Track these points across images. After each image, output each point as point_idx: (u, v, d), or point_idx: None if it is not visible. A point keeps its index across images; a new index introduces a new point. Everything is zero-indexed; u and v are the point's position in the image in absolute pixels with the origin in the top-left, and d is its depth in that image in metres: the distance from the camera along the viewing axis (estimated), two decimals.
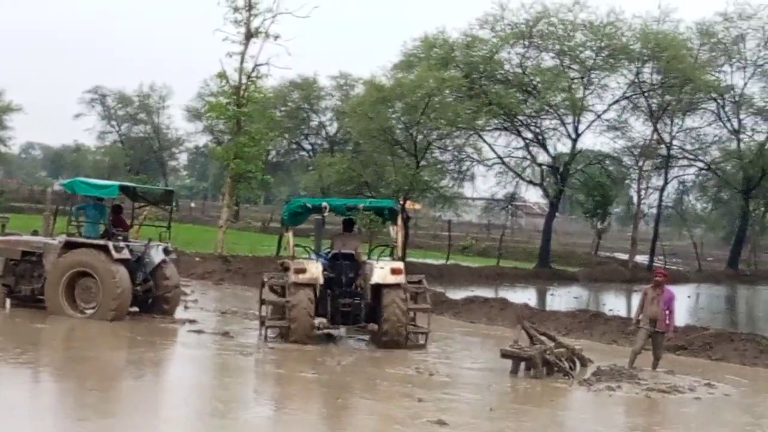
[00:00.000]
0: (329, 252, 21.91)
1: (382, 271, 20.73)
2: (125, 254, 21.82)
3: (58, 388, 15.57)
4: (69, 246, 22.04)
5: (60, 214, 24.26)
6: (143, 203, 25.81)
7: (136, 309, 22.78)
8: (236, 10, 38.02)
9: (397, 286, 20.71)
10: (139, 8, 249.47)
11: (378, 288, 20.79)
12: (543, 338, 19.30)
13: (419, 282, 22.01)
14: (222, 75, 38.53)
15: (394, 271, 20.76)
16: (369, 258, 21.95)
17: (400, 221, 22.97)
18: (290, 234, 22.33)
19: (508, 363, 18.54)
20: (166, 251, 23.29)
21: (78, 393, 14.80)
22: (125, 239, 22.80)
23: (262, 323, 21.35)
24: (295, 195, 51.77)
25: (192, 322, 22.51)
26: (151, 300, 23.07)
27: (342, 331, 22.05)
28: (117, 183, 24.57)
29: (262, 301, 21.61)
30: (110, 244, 21.63)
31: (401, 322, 20.62)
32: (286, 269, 21.24)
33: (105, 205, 23.55)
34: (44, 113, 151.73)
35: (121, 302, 21.53)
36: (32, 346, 18.91)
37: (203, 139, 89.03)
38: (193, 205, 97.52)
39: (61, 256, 21.97)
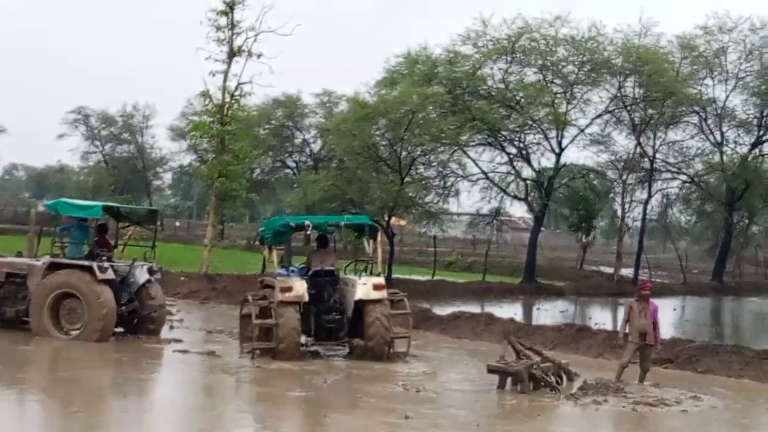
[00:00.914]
0: (305, 268, 22.02)
1: (365, 287, 21.13)
2: (110, 275, 21.76)
3: (43, 409, 15.50)
4: (53, 267, 21.98)
5: (44, 235, 24.18)
6: (127, 223, 25.77)
7: (121, 329, 22.73)
8: (219, 29, 38.01)
9: (379, 301, 21.11)
10: (122, 28, 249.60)
11: (361, 303, 21.09)
12: (529, 353, 19.30)
13: (396, 293, 22.58)
14: (205, 94, 38.50)
15: (377, 287, 21.23)
16: (345, 273, 22.26)
17: (378, 237, 23.20)
18: (274, 253, 22.34)
19: (495, 378, 18.55)
20: (150, 271, 23.24)
21: (63, 414, 14.75)
22: (110, 259, 22.75)
23: (243, 341, 21.50)
24: (280, 213, 51.64)
25: (178, 341, 22.46)
26: (136, 320, 22.98)
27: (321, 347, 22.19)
28: (101, 203, 24.58)
29: (242, 317, 21.70)
30: (94, 264, 21.59)
31: (386, 336, 21.17)
32: (266, 287, 21.38)
33: (89, 225, 23.52)
34: (28, 134, 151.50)
35: (106, 323, 21.46)
36: (17, 367, 18.85)
37: (187, 158, 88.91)
38: (177, 224, 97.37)
39: (46, 277, 21.91)
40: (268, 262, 22.53)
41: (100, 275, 21.44)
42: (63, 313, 21.83)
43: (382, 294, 21.32)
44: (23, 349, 20.69)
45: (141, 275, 22.91)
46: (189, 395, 17.30)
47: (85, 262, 21.85)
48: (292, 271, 21.71)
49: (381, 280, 21.71)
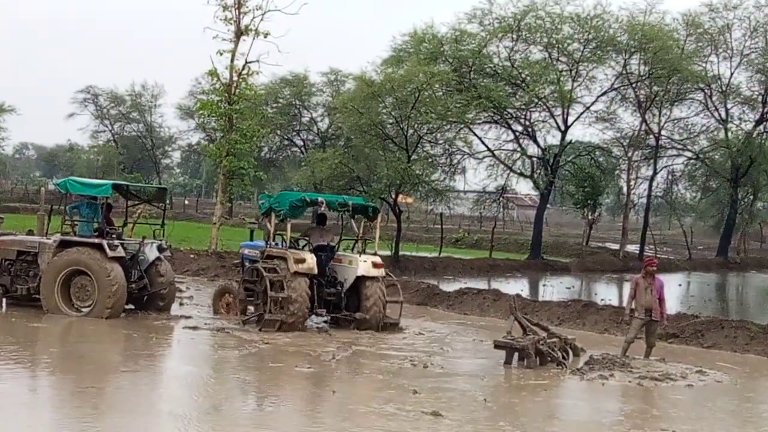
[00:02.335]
0: (303, 244, 23.14)
1: (365, 264, 22.70)
2: (120, 252, 21.95)
3: (55, 385, 15.67)
4: (64, 245, 22.18)
5: (54, 214, 24.36)
6: (137, 201, 25.95)
7: (131, 306, 22.95)
8: (226, 8, 38.15)
9: (377, 278, 22.80)
10: (129, 8, 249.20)
11: (360, 279, 22.61)
12: (536, 328, 19.50)
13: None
14: (213, 73, 38.63)
15: (376, 265, 22.85)
16: (342, 251, 23.76)
17: (378, 218, 24.31)
18: (288, 225, 23.03)
19: (502, 354, 18.74)
20: (160, 249, 23.44)
21: (75, 390, 14.93)
22: (119, 237, 22.94)
23: (243, 309, 22.74)
24: (287, 190, 51.72)
25: (187, 318, 22.69)
26: (146, 297, 23.19)
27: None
28: (110, 182, 24.70)
29: (245, 281, 22.65)
30: (105, 242, 21.77)
31: (382, 310, 22.74)
32: (271, 257, 22.18)
33: (98, 203, 23.70)
34: (37, 114, 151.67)
35: (117, 300, 21.67)
36: (29, 344, 19.07)
37: (196, 137, 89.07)
38: (186, 202, 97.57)
39: (56, 255, 22.10)
40: (272, 234, 22.96)
41: (110, 253, 21.63)
42: (74, 290, 22.02)
43: (381, 272, 22.95)
44: (34, 327, 20.86)
45: (151, 253, 23.12)
46: (199, 371, 17.47)
47: (95, 240, 22.02)
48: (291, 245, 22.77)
49: (379, 259, 23.19)
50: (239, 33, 38.26)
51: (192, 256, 35.76)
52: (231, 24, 38.30)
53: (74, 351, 18.79)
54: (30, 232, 24.88)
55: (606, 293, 37.49)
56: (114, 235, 22.73)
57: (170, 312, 23.27)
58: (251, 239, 26.05)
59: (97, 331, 20.63)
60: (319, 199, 23.24)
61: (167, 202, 28.39)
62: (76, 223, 23.08)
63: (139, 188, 26.49)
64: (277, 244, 22.97)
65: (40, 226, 25.15)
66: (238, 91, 38.78)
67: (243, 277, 23.02)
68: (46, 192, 34.93)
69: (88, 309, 21.76)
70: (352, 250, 24.01)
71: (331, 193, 33.19)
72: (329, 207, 23.70)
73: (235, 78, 38.66)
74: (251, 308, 22.67)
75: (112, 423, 12.93)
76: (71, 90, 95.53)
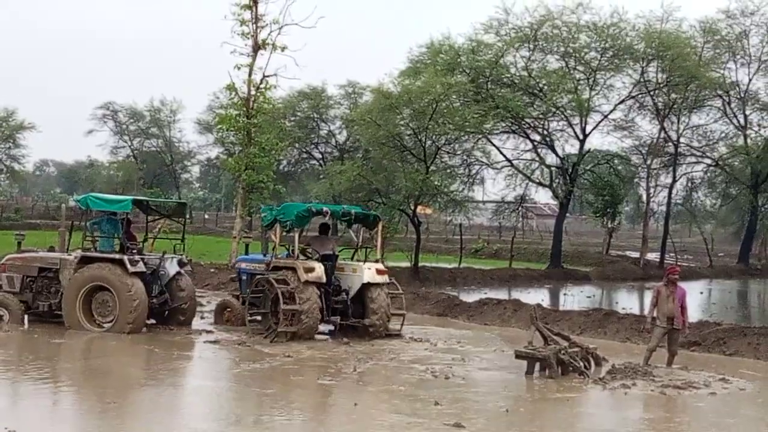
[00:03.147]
0: (304, 252, 23.52)
1: (369, 271, 23.28)
2: (140, 267, 22.06)
3: (77, 400, 15.72)
4: (84, 261, 22.30)
5: (75, 230, 24.47)
6: (157, 216, 26.06)
7: (152, 321, 23.06)
8: (243, 23, 38.29)
9: (382, 284, 23.44)
10: (148, 26, 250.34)
11: (364, 286, 23.21)
12: (557, 338, 19.45)
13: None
14: (231, 87, 38.79)
15: (380, 272, 23.50)
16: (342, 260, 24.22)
17: (379, 227, 24.74)
18: (296, 235, 23.48)
19: (523, 364, 18.71)
20: (180, 263, 23.56)
21: (98, 406, 14.96)
22: (140, 252, 23.03)
23: (243, 323, 23.21)
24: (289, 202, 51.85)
25: (209, 332, 22.80)
26: (167, 312, 23.32)
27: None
28: (130, 197, 24.85)
29: (254, 296, 22.82)
30: (125, 257, 21.87)
31: (387, 315, 23.45)
32: (277, 268, 22.51)
33: (119, 219, 23.81)
34: (57, 131, 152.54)
35: (138, 315, 21.77)
36: (51, 361, 19.14)
37: (215, 151, 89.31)
38: (206, 216, 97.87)
39: (77, 271, 22.22)
40: (278, 245, 23.24)
41: (131, 268, 21.74)
42: (95, 306, 22.14)
43: (384, 278, 23.56)
44: (57, 343, 20.99)
45: (171, 267, 23.24)
46: (221, 384, 17.52)
47: (116, 256, 22.13)
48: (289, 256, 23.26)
49: (382, 265, 23.87)
50: (257, 47, 38.41)
51: (212, 270, 35.86)
52: (248, 38, 38.46)
53: (96, 366, 18.86)
54: (51, 249, 24.97)
55: (627, 302, 37.35)
56: (134, 251, 22.83)
57: (191, 326, 23.35)
58: (246, 253, 26.37)
59: (119, 346, 20.70)
60: (324, 208, 23.88)
61: (187, 216, 28.50)
62: (96, 239, 23.17)
63: (158, 203, 26.65)
64: (283, 255, 23.19)
65: (61, 242, 25.25)
66: (256, 104, 38.90)
67: (250, 289, 23.07)
68: (67, 208, 35.03)
69: (110, 324, 21.86)
70: (352, 258, 24.59)
71: (347, 205, 33.35)
72: (333, 216, 24.44)
73: (253, 92, 38.79)
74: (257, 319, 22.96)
75: None
76: (90, 107, 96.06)
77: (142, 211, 25.42)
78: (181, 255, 23.82)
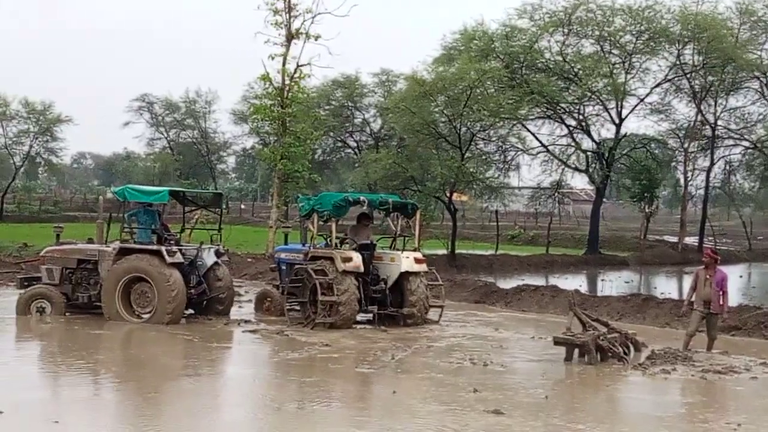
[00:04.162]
0: (344, 242, 23.51)
1: (407, 260, 23.18)
2: (178, 258, 22.16)
3: (118, 392, 15.80)
4: (123, 252, 22.43)
5: (113, 222, 24.62)
6: (194, 207, 26.17)
7: (191, 311, 23.18)
8: (276, 12, 38.34)
9: (420, 273, 23.27)
10: (182, 17, 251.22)
11: (403, 275, 23.07)
12: (596, 324, 19.37)
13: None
14: (265, 77, 38.87)
15: (418, 261, 23.36)
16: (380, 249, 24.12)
17: (418, 215, 24.61)
18: (334, 225, 23.48)
19: (562, 350, 18.65)
20: (218, 253, 23.66)
21: (138, 396, 15.06)
22: (177, 243, 23.15)
23: (282, 312, 23.39)
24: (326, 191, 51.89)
25: (247, 322, 22.88)
26: (205, 302, 23.42)
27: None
28: (167, 188, 24.95)
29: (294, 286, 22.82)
30: (163, 248, 22.00)
31: (425, 305, 23.33)
32: (314, 258, 22.54)
33: (156, 210, 23.95)
34: (94, 123, 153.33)
35: (177, 305, 21.89)
36: (91, 351, 19.24)
37: (250, 142, 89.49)
38: (242, 206, 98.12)
39: (116, 262, 22.35)
40: (316, 235, 23.20)
41: (168, 259, 21.85)
42: (134, 297, 22.28)
43: (423, 267, 23.38)
44: (96, 334, 21.14)
45: (208, 258, 23.34)
46: (260, 373, 17.58)
47: (154, 247, 22.25)
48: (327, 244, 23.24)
49: (420, 254, 23.69)
50: (290, 37, 38.44)
51: (249, 260, 35.98)
52: (282, 28, 38.52)
53: (136, 357, 18.99)
54: (90, 241, 25.12)
55: (666, 287, 37.16)
56: (172, 242, 22.94)
57: (229, 316, 23.45)
58: (286, 243, 26.39)
59: (158, 336, 20.82)
60: (361, 198, 23.71)
61: (223, 207, 28.60)
62: (134, 230, 23.30)
63: (195, 194, 26.74)
64: (321, 245, 23.19)
65: (100, 234, 25.38)
66: (290, 94, 38.97)
67: (289, 278, 23.12)
68: (105, 200, 35.18)
69: (149, 315, 21.99)
70: (390, 247, 24.42)
71: (384, 193, 33.36)
72: (370, 205, 24.26)
73: (287, 81, 38.84)
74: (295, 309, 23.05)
75: (175, 426, 13.04)
76: (127, 99, 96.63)
77: (178, 202, 25.51)
78: (218, 245, 23.92)
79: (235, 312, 24.14)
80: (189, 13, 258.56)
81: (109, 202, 27.89)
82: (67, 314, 22.70)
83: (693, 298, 19.86)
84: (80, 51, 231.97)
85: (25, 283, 23.76)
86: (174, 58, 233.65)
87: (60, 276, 23.31)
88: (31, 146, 76.19)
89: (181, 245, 23.18)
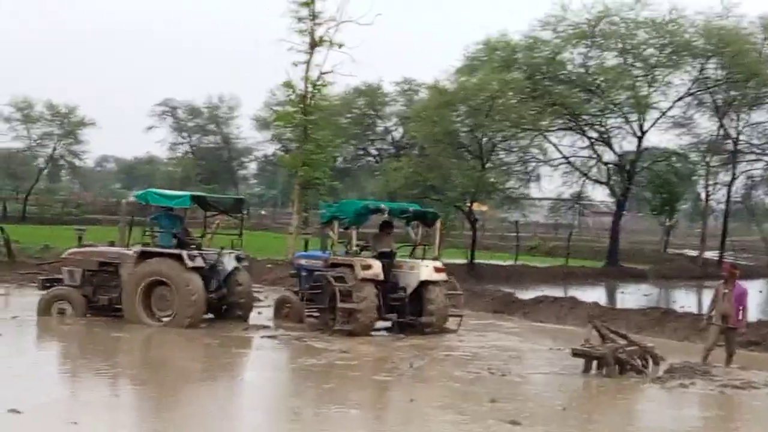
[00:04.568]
0: (363, 250, 23.54)
1: (427, 269, 23.14)
2: (199, 262, 22.26)
3: (136, 394, 15.91)
4: (144, 256, 22.52)
5: (135, 225, 24.74)
6: (215, 212, 26.27)
7: (210, 316, 23.26)
8: (300, 20, 38.42)
9: (439, 282, 23.23)
10: (206, 23, 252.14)
11: (423, 284, 22.99)
12: (614, 336, 19.36)
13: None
14: (288, 84, 38.95)
15: (438, 270, 23.33)
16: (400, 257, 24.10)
17: (438, 224, 24.79)
18: (354, 233, 23.45)
19: (580, 362, 18.63)
20: (238, 258, 23.75)
21: (156, 399, 15.15)
22: (198, 248, 23.26)
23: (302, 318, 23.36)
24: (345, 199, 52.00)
25: (266, 327, 22.93)
26: (225, 307, 23.50)
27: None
28: (189, 193, 25.06)
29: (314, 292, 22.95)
30: (184, 253, 22.09)
31: (444, 314, 23.33)
32: (333, 265, 22.62)
33: (178, 215, 24.06)
34: (117, 127, 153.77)
35: (196, 309, 21.97)
36: (111, 354, 19.38)
37: (271, 148, 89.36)
38: (263, 212, 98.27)
39: (137, 265, 22.44)
40: (336, 242, 23.26)
41: (189, 263, 21.94)
42: (154, 300, 22.36)
43: (442, 276, 23.37)
44: (116, 336, 21.22)
45: (229, 263, 23.43)
46: (278, 378, 17.66)
47: (175, 251, 22.33)
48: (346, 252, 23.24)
49: (440, 263, 23.66)
50: (313, 44, 38.49)
51: (269, 265, 36.05)
52: (305, 35, 38.57)
53: (155, 360, 19.11)
54: (111, 244, 25.25)
55: (685, 300, 37.05)
56: (193, 246, 23.06)
57: (248, 321, 23.52)
58: (306, 249, 26.43)
59: (178, 340, 20.94)
60: (382, 206, 23.83)
61: (244, 212, 28.70)
62: (156, 234, 23.42)
63: (216, 199, 26.85)
64: (341, 252, 23.24)
65: (121, 237, 25.50)
66: (312, 101, 39.04)
67: (308, 285, 23.22)
68: (127, 204, 35.26)
69: (169, 318, 22.08)
70: (410, 256, 24.37)
71: (404, 202, 33.40)
72: (391, 213, 24.18)
73: (309, 89, 38.92)
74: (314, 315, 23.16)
75: (193, 429, 13.11)
76: (150, 103, 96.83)
77: (200, 206, 25.62)
78: (239, 250, 24.02)
79: (254, 317, 24.18)
80: (189, 13, 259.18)
81: (131, 206, 27.95)
82: (87, 316, 22.83)
83: (713, 313, 19.82)
84: (105, 54, 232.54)
85: (47, 285, 23.88)
86: (198, 64, 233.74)
87: (81, 278, 23.40)
88: (54, 149, 76.61)
89: (202, 250, 23.28)
